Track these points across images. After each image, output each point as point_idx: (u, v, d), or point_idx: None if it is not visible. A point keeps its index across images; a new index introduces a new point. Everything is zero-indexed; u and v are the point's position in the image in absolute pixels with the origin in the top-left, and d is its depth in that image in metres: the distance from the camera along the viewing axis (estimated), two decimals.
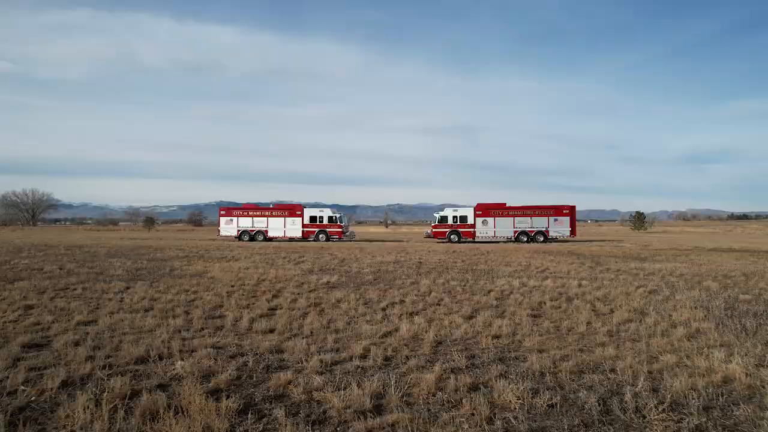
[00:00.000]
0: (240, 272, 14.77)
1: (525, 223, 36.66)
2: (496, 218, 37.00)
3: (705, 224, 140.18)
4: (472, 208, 37.51)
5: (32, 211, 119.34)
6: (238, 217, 39.34)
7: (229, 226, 39.30)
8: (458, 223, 37.37)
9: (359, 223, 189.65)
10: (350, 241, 38.89)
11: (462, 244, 34.45)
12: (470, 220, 37.18)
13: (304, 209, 38.84)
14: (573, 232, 36.30)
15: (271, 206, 39.69)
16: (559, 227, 36.31)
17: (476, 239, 36.94)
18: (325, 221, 38.30)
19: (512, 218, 36.82)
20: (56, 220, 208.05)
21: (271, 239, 38.85)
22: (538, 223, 36.51)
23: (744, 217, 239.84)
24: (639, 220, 71.13)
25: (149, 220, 78.58)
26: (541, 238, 36.29)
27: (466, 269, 16.26)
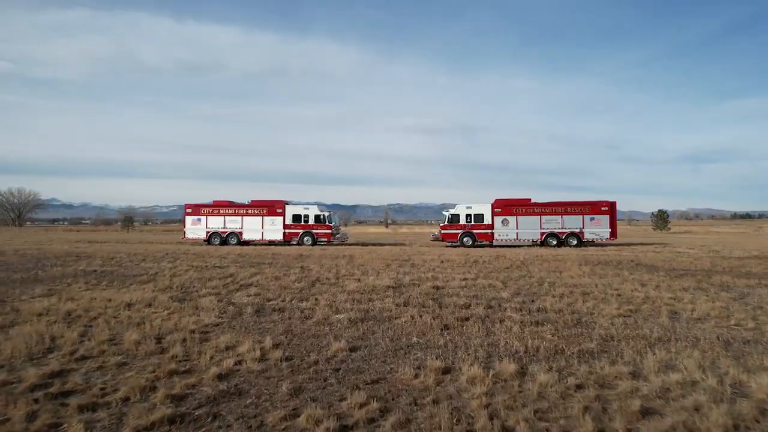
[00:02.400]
0: (98, 319, 7.59)
1: (554, 223, 29.34)
2: (518, 217, 29.69)
3: (717, 224, 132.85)
4: (490, 205, 30.19)
5: (18, 210, 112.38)
6: (206, 216, 32.04)
7: (196, 227, 32.00)
8: (473, 222, 30.05)
9: (359, 223, 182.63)
10: (341, 244, 31.59)
11: (478, 249, 27.26)
12: (487, 219, 29.87)
13: (286, 206, 31.52)
14: (613, 233, 28.97)
15: (246, 203, 32.37)
16: (597, 227, 28.99)
17: (494, 242, 29.63)
18: (311, 221, 31.00)
19: (538, 217, 29.51)
20: (54, 220, 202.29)
21: (246, 243, 31.57)
22: (571, 222, 29.19)
23: (747, 216, 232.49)
24: (662, 219, 63.77)
25: (127, 220, 71.33)
26: (574, 241, 28.98)
27: (528, 307, 8.96)
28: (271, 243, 31.51)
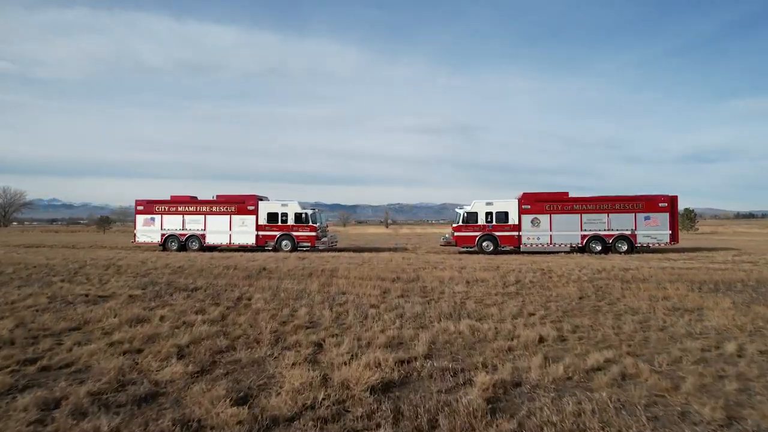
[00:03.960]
0: None
1: (598, 223, 22.66)
2: (552, 215, 22.99)
3: (726, 224, 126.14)
4: (516, 201, 23.50)
5: (3, 210, 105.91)
6: (161, 214, 25.36)
7: (148, 229, 25.33)
8: (494, 222, 23.34)
9: (359, 222, 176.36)
10: (329, 249, 24.90)
11: (502, 255, 20.62)
12: (512, 219, 23.17)
13: (260, 202, 24.81)
14: (674, 236, 22.29)
15: (211, 199, 25.66)
16: (653, 229, 22.30)
17: (522, 247, 22.95)
18: (291, 220, 24.30)
19: (578, 215, 22.81)
20: (53, 220, 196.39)
21: (210, 248, 24.90)
22: (620, 222, 22.50)
23: (751, 215, 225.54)
24: (689, 219, 57.00)
25: (103, 220, 64.62)
26: (624, 246, 22.30)
27: None
28: (242, 248, 24.84)
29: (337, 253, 22.25)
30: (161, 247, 25.07)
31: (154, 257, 19.86)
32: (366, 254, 21.83)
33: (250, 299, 9.46)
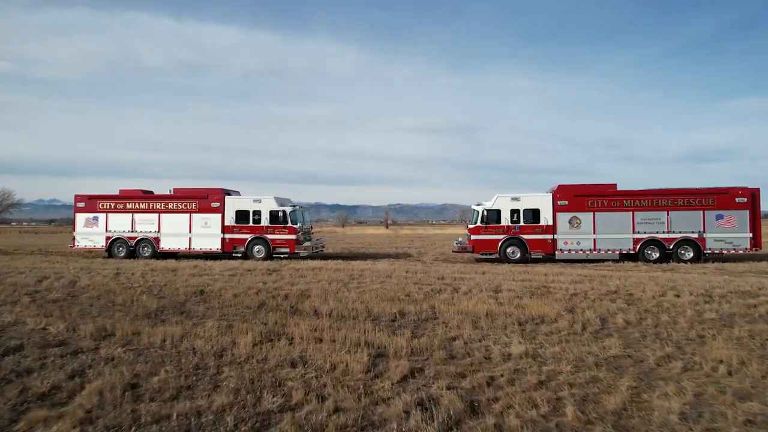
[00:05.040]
0: None
1: (655, 224, 17.53)
2: (596, 213, 17.84)
3: None
4: (549, 195, 18.36)
5: None
6: (107, 213, 20.25)
7: (91, 230, 20.21)
8: (522, 222, 18.19)
9: (359, 223, 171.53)
10: (312, 256, 19.74)
11: (536, 265, 15.52)
12: (545, 218, 18.04)
13: (227, 198, 19.66)
14: (756, 240, 17.14)
15: (167, 194, 20.54)
16: (728, 231, 17.17)
17: (557, 254, 17.82)
18: (265, 220, 19.14)
19: (629, 213, 17.67)
20: (51, 221, 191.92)
21: (165, 254, 19.79)
22: (683, 222, 17.38)
23: None
24: None
25: None
26: (690, 253, 17.18)
27: None
28: (206, 255, 19.72)
29: (321, 262, 17.14)
30: (107, 253, 19.99)
31: (78, 269, 14.73)
32: (359, 264, 16.69)
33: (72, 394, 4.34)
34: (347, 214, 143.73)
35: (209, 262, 17.16)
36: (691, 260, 17.05)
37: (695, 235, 17.22)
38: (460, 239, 19.79)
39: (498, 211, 18.30)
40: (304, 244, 18.95)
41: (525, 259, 17.97)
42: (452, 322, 7.22)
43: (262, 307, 8.38)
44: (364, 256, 21.19)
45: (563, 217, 17.97)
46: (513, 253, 18.07)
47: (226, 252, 19.27)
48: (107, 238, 19.90)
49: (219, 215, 19.35)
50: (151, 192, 21.03)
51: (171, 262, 17.34)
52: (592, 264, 17.10)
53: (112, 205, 20.13)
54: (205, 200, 19.54)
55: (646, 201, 17.65)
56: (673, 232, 17.37)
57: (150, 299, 9.05)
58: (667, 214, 17.45)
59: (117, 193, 20.63)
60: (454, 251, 19.19)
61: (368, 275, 12.99)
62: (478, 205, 18.79)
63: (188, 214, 19.59)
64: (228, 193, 20.01)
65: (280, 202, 19.34)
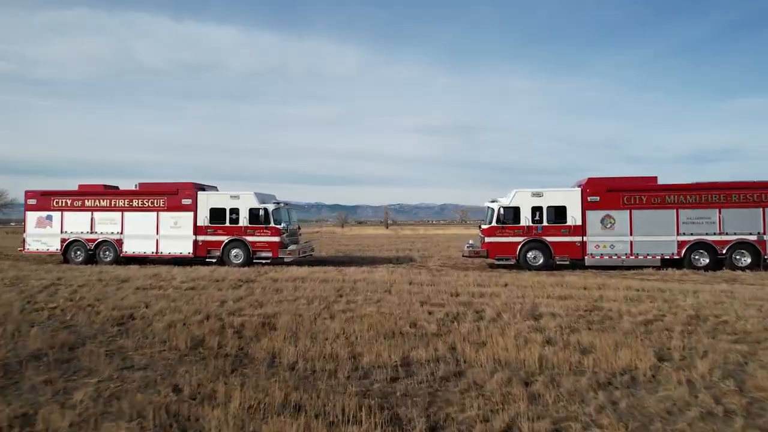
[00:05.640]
0: None
1: (704, 224, 14.70)
2: (633, 212, 15.02)
3: None
4: (578, 191, 15.53)
5: None
6: (62, 211, 17.43)
7: (44, 231, 17.37)
8: (545, 222, 15.36)
9: (359, 222, 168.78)
10: (299, 261, 16.84)
11: (565, 273, 12.69)
12: (572, 217, 15.21)
13: (200, 194, 16.81)
14: None
15: (132, 189, 17.72)
16: None
17: (587, 260, 14.98)
18: (244, 219, 16.28)
19: (673, 211, 14.85)
20: None
21: (130, 259, 16.97)
22: (739, 221, 14.54)
23: None
24: None
25: None
26: (747, 259, 14.35)
27: None
28: (175, 259, 16.90)
29: (309, 270, 14.29)
30: (63, 258, 17.19)
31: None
32: (353, 272, 13.82)
33: None
34: (347, 214, 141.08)
35: (175, 269, 14.33)
36: (749, 267, 14.24)
37: (753, 237, 14.39)
38: (471, 242, 16.95)
39: (517, 209, 15.46)
40: (289, 248, 16.09)
41: (549, 265, 15.15)
42: (490, 384, 4.40)
43: (196, 349, 5.57)
44: (360, 261, 18.36)
45: (594, 216, 15.13)
46: (534, 258, 15.23)
47: (200, 256, 16.44)
48: (62, 241, 17.08)
49: (191, 214, 16.52)
50: (117, 187, 18.23)
51: (132, 269, 14.52)
52: (630, 271, 14.27)
53: (69, 202, 17.30)
54: (174, 196, 16.70)
55: (694, 197, 14.81)
56: (726, 234, 14.53)
57: (41, 334, 6.22)
58: (719, 213, 14.62)
59: (76, 189, 17.81)
60: (465, 256, 16.33)
61: (362, 289, 10.16)
62: (492, 201, 15.95)
63: (155, 213, 16.75)
64: (202, 188, 17.17)
65: (262, 198, 16.51)
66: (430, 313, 7.52)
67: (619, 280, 11.88)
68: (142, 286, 10.87)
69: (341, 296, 9.23)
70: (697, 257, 14.65)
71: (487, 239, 15.57)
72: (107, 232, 16.95)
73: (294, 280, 11.87)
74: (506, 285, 11.13)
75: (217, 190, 17.77)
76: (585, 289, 10.51)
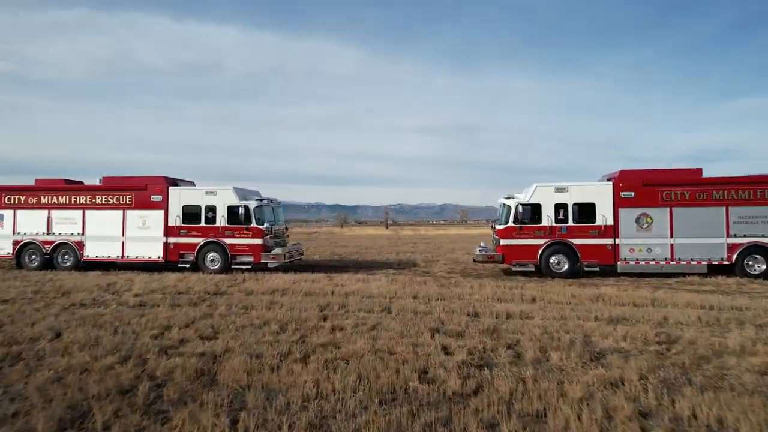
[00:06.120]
0: None
1: (759, 224, 12.47)
2: (674, 209, 12.79)
3: None
4: (608, 185, 13.28)
5: None
6: (14, 209, 15.21)
7: None
8: (570, 222, 13.13)
9: (360, 222, 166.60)
10: (285, 266, 14.55)
11: (598, 284, 10.49)
12: (603, 216, 12.97)
13: (171, 189, 14.55)
14: None
15: (95, 184, 15.48)
16: None
17: (620, 266, 12.74)
18: (222, 218, 14.03)
19: (721, 209, 12.62)
20: None
21: (93, 264, 14.73)
22: None
23: None
24: None
25: None
26: None
27: None
28: (145, 265, 14.67)
29: (294, 277, 12.05)
30: (16, 263, 14.97)
31: None
32: (346, 281, 11.57)
33: None
34: (347, 214, 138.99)
35: (138, 278, 12.11)
36: None
37: None
38: (483, 244, 14.71)
39: (537, 207, 13.22)
40: (273, 252, 13.84)
41: (575, 272, 12.92)
42: None
43: (81, 423, 3.35)
44: (356, 266, 16.13)
45: (628, 215, 12.89)
46: (558, 264, 12.98)
47: (171, 261, 14.21)
48: (15, 243, 14.84)
49: (161, 212, 14.28)
50: (81, 183, 16.01)
51: (87, 277, 12.32)
52: (672, 279, 12.05)
53: (22, 199, 15.07)
54: (142, 192, 14.46)
55: (747, 192, 12.56)
56: None
57: None
58: None
59: (33, 184, 15.60)
60: (477, 261, 14.07)
61: (354, 307, 7.93)
62: (508, 198, 13.71)
63: (121, 211, 14.51)
64: (175, 182, 14.93)
65: (242, 194, 14.26)
66: (446, 351, 5.29)
67: (670, 293, 9.64)
68: (81, 302, 8.66)
69: (325, 319, 7.00)
70: (751, 263, 12.40)
71: (503, 242, 13.31)
72: (66, 234, 14.72)
73: (272, 293, 9.64)
74: (534, 300, 8.90)
75: (194, 185, 15.55)
76: (635, 306, 8.29)
